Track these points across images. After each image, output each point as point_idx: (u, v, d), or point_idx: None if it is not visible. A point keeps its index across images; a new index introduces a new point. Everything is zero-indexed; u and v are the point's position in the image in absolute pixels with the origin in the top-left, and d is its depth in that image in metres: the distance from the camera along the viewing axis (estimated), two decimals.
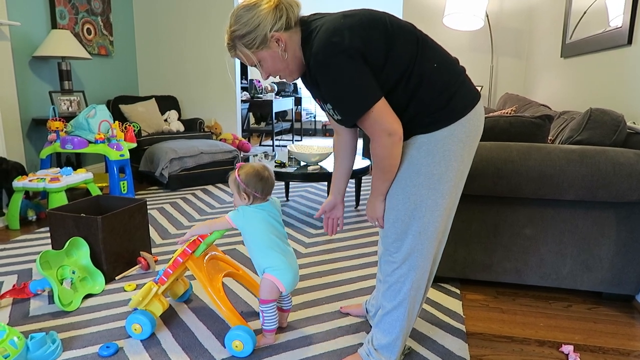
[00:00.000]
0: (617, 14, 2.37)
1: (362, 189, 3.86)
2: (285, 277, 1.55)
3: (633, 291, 1.91)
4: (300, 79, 1.40)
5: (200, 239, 1.64)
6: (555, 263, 1.93)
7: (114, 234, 2.09)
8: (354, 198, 3.47)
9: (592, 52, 2.72)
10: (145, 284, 1.76)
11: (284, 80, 1.34)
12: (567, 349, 1.59)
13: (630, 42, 2.24)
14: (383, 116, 1.19)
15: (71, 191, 3.18)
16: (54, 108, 3.49)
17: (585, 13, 2.87)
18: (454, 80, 1.26)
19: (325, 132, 8.22)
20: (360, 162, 3.11)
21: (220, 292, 1.62)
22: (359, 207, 3.35)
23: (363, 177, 4.03)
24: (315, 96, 1.40)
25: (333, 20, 1.20)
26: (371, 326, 1.72)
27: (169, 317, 1.78)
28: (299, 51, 1.27)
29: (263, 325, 1.59)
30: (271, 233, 1.56)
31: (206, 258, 1.72)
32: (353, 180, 4.12)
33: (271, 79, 7.76)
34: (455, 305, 1.91)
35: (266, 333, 1.60)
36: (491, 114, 2.10)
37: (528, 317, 1.84)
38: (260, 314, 1.58)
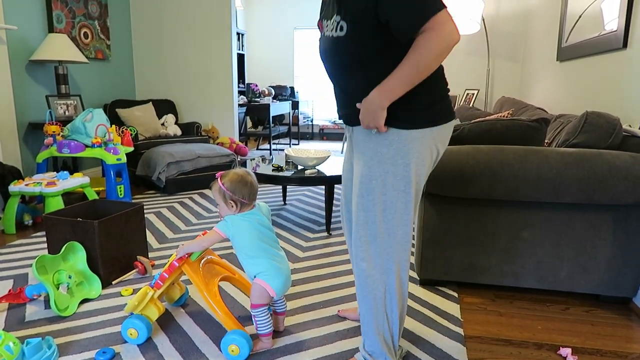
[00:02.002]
0: (612, 18, 2.39)
1: None
2: (276, 282, 1.55)
3: (630, 293, 1.91)
4: None
5: None
6: (553, 266, 1.93)
7: (111, 238, 2.08)
8: None
9: (588, 55, 2.74)
10: (141, 288, 1.75)
11: None
12: (565, 351, 1.59)
13: (625, 45, 2.25)
14: (451, 20, 1.11)
15: (68, 195, 3.17)
16: (50, 112, 3.48)
17: (580, 17, 2.89)
18: (444, 90, 1.30)
19: (323, 135, 8.22)
20: None
21: (216, 297, 1.61)
22: None
23: None
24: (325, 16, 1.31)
25: None
26: None
27: (166, 322, 1.78)
28: None
29: (257, 330, 1.58)
30: (260, 240, 1.56)
31: (202, 262, 1.71)
32: None
33: (269, 82, 7.77)
34: (453, 308, 1.91)
35: (262, 337, 1.59)
36: (488, 118, 2.10)
37: (526, 320, 1.84)
38: (253, 319, 1.58)
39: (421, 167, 1.29)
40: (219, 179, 1.55)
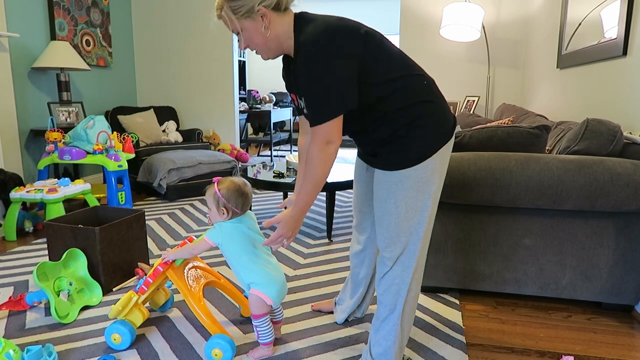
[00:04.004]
0: (611, 26, 2.40)
1: None
2: (271, 291, 1.54)
3: (632, 301, 1.90)
4: (283, 70, 1.46)
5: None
6: (555, 273, 1.92)
7: (112, 245, 2.08)
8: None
9: (588, 63, 2.75)
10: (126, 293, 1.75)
11: (259, 55, 1.38)
12: (568, 359, 1.58)
13: (625, 53, 2.26)
14: (333, 130, 1.24)
15: (69, 202, 3.17)
16: (52, 119, 3.49)
17: (580, 24, 2.90)
18: (437, 114, 1.35)
19: None
20: None
21: (200, 302, 1.61)
22: None
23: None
24: (290, 90, 1.45)
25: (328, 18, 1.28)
26: (337, 322, 1.81)
27: (167, 329, 1.77)
28: (282, 36, 1.31)
29: (258, 339, 1.58)
30: (252, 246, 1.55)
31: (187, 267, 1.72)
32: (351, 190, 4.12)
33: (270, 88, 7.80)
34: (455, 315, 1.90)
35: (263, 346, 1.59)
36: (488, 125, 2.11)
37: (528, 327, 1.84)
38: (254, 329, 1.58)
39: (438, 164, 1.32)
40: (215, 184, 1.54)
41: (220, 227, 1.54)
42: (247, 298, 1.84)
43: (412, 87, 1.29)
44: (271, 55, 1.37)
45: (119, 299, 2.00)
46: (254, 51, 1.37)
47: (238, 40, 1.37)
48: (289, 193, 3.88)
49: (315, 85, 1.22)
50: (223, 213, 1.53)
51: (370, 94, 1.27)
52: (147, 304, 1.89)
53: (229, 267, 2.38)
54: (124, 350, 1.63)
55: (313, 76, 1.22)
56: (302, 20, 1.30)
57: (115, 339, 1.61)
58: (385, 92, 1.28)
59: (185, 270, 1.69)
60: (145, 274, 2.18)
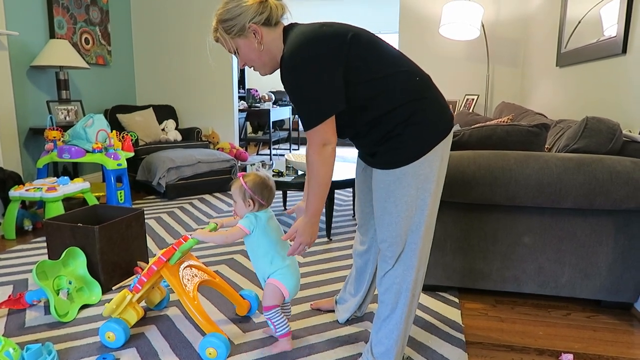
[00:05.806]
0: (611, 24, 2.40)
1: None
2: (289, 282, 1.56)
3: (631, 299, 1.91)
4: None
5: (175, 247, 1.64)
6: (554, 271, 1.92)
7: (111, 243, 2.07)
8: (351, 206, 3.46)
9: (587, 61, 2.75)
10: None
11: (257, 72, 1.41)
12: (567, 357, 1.59)
13: (624, 51, 2.26)
14: (324, 131, 1.26)
15: (68, 201, 3.16)
16: (51, 117, 3.48)
17: (579, 23, 2.90)
18: (432, 113, 1.35)
19: None
20: None
21: (194, 300, 1.62)
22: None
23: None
24: None
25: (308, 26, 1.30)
26: (338, 321, 1.80)
27: (166, 327, 1.77)
28: (275, 49, 1.35)
29: (276, 332, 1.58)
30: (278, 238, 1.58)
31: (182, 266, 1.72)
32: (350, 189, 4.12)
33: (269, 87, 7.80)
34: (454, 314, 1.90)
35: (281, 339, 1.59)
36: (488, 123, 2.11)
37: (527, 325, 1.84)
38: (269, 322, 1.58)
39: (437, 161, 1.32)
40: (241, 178, 1.57)
41: (255, 216, 1.56)
42: (242, 297, 1.85)
43: (404, 85, 1.29)
44: (267, 70, 1.41)
45: None
46: (252, 68, 1.41)
47: (237, 60, 1.41)
48: (288, 192, 3.88)
49: (300, 94, 1.26)
50: (249, 205, 1.55)
51: (361, 94, 1.28)
52: (143, 303, 1.89)
53: (228, 266, 2.38)
54: (120, 348, 1.63)
55: (296, 86, 1.26)
56: (288, 32, 1.33)
57: (109, 337, 1.62)
58: (376, 91, 1.28)
59: (180, 269, 1.69)
60: None
